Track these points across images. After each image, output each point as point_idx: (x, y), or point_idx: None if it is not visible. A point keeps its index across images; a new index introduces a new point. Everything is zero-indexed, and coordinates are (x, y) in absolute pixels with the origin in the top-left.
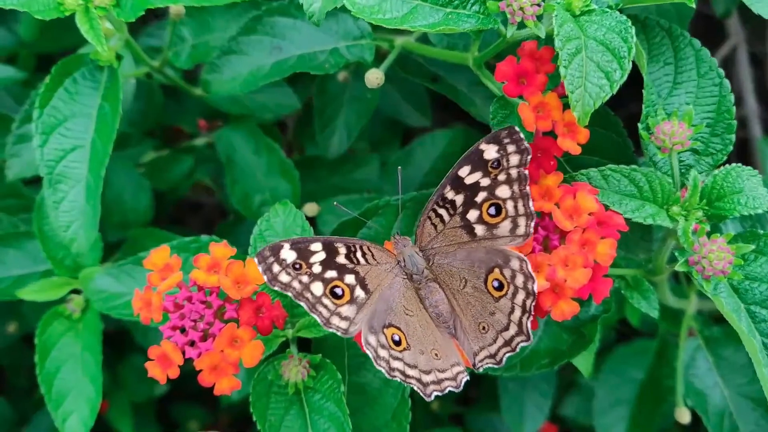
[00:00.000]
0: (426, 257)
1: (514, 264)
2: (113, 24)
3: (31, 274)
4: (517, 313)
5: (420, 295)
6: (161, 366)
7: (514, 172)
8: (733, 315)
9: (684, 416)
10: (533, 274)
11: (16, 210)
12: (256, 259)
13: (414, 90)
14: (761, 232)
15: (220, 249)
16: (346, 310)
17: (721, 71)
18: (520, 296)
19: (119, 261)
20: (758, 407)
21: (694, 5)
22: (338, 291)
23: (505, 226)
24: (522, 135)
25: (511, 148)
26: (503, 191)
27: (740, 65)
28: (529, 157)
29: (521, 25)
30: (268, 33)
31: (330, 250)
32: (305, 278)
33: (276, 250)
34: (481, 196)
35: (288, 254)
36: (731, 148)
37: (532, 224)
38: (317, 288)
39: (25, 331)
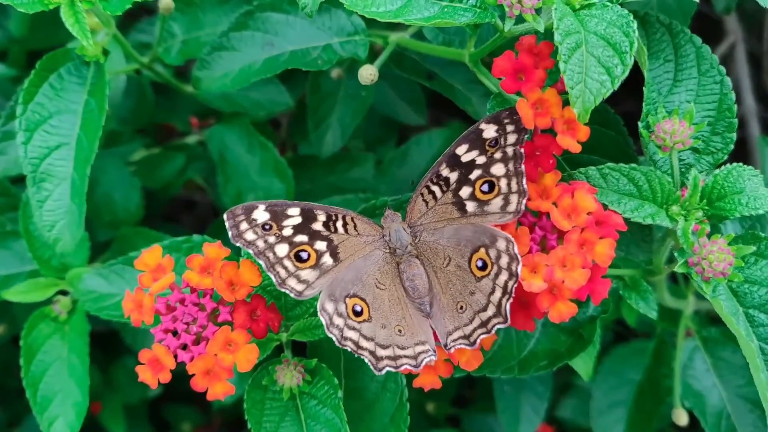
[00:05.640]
0: (413, 233)
1: (501, 244)
2: (100, 18)
3: (17, 274)
4: (498, 294)
5: (399, 270)
6: (152, 370)
7: (510, 151)
8: (731, 318)
9: (681, 418)
10: (519, 255)
11: (4, 209)
12: (225, 216)
13: (409, 87)
14: (762, 234)
15: (214, 249)
16: (307, 273)
17: (722, 69)
18: (503, 277)
19: (108, 261)
20: (756, 408)
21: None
22: (304, 255)
23: (497, 202)
24: (521, 117)
25: (510, 128)
26: (498, 169)
27: (738, 63)
28: (526, 136)
29: (519, 20)
30: (260, 29)
31: (307, 217)
32: (272, 239)
33: (249, 210)
34: (475, 174)
35: (260, 215)
36: (732, 147)
37: (524, 201)
38: (282, 249)
39: (15, 331)
